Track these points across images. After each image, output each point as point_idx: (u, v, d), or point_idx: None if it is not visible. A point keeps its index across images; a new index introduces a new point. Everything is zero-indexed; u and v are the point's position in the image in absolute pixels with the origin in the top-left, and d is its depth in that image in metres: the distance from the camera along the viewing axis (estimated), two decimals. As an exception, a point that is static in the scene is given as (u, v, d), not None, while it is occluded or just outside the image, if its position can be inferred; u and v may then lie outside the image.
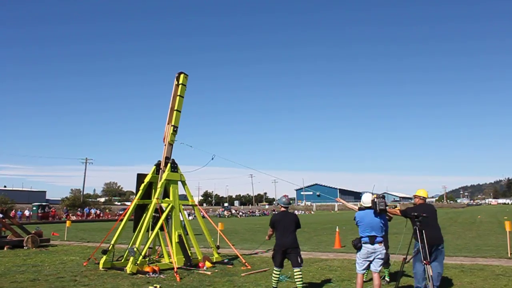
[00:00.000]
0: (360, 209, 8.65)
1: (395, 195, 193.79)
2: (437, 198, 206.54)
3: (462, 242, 21.97)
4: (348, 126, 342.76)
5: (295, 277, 9.23)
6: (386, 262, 10.05)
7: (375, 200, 8.32)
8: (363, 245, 8.28)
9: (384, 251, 8.38)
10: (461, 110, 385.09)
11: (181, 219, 14.51)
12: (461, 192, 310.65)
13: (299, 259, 9.26)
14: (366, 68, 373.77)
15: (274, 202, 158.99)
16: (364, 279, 8.61)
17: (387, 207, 8.49)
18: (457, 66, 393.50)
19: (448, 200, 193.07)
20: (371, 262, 8.31)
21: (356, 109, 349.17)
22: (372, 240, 8.21)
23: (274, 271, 9.48)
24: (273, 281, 9.48)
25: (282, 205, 9.97)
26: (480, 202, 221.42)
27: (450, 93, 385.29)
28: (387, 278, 10.67)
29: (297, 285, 9.14)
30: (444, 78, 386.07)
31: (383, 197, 8.57)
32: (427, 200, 9.71)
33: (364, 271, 8.38)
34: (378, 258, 8.26)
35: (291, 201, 10.44)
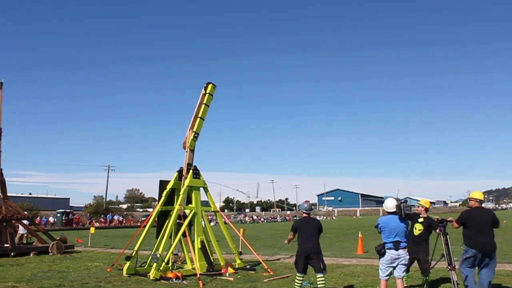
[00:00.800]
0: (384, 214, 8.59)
1: (418, 199, 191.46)
2: (460, 202, 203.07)
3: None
4: (370, 131, 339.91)
5: (318, 283, 9.16)
6: (426, 270, 9.66)
7: (401, 205, 8.23)
8: (387, 251, 8.21)
9: (408, 256, 8.30)
10: (486, 113, 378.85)
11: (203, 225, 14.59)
12: (486, 196, 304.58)
13: (321, 265, 9.19)
14: (386, 72, 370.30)
15: (294, 208, 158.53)
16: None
17: (412, 211, 8.41)
18: (480, 67, 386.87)
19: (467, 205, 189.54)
20: (394, 268, 8.24)
21: (378, 113, 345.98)
22: (397, 246, 8.12)
23: (297, 277, 9.42)
24: (296, 287, 9.40)
25: (304, 211, 9.93)
26: (505, 206, 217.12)
27: (473, 96, 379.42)
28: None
29: None
30: (466, 80, 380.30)
31: (406, 201, 8.50)
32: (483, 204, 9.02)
33: (388, 277, 8.31)
34: (401, 264, 8.20)
35: (312, 207, 10.41)
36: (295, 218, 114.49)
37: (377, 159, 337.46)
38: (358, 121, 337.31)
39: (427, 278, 9.87)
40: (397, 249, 8.13)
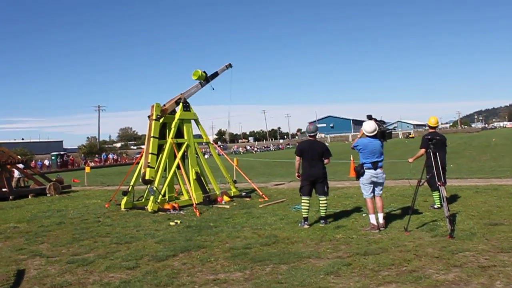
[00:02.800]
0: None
1: (409, 123, 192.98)
2: (451, 124, 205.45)
3: (476, 165, 22.10)
4: (360, 56, 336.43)
5: (320, 205, 9.33)
6: (437, 188, 9.74)
7: (381, 127, 8.52)
8: (366, 171, 8.60)
9: (384, 175, 8.75)
10: (475, 35, 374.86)
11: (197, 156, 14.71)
12: (476, 116, 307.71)
13: (325, 188, 9.34)
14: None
15: (286, 137, 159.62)
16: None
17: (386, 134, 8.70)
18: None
19: (462, 125, 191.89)
20: (374, 187, 8.68)
21: (368, 40, 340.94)
22: (375, 166, 8.55)
23: (303, 200, 9.37)
24: (303, 211, 9.37)
25: (308, 133, 9.64)
26: (495, 125, 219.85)
27: (464, 20, 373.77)
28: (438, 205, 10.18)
29: (321, 213, 9.37)
30: (456, 4, 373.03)
31: (383, 122, 8.77)
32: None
33: (371, 195, 8.71)
34: (380, 183, 8.67)
35: (318, 129, 10.11)
36: (288, 146, 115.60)
37: (368, 84, 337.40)
38: (348, 48, 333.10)
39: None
40: (375, 169, 8.56)
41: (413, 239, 7.52)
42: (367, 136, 8.63)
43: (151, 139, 13.36)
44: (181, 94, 14.52)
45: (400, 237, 7.75)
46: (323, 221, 9.30)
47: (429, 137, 9.41)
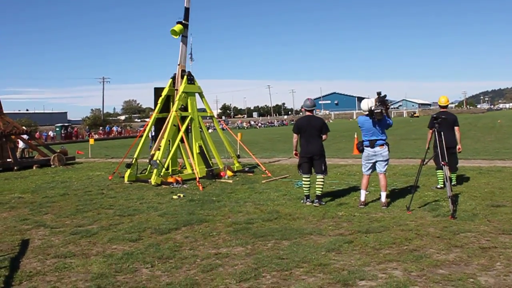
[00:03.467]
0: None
1: (414, 102, 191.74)
2: (456, 104, 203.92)
3: (480, 146, 22.02)
4: (366, 33, 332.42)
5: (317, 183, 9.14)
6: (454, 167, 10.23)
7: (372, 107, 8.40)
8: (364, 148, 8.71)
9: (386, 153, 8.64)
10: (483, 15, 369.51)
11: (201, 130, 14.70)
12: (482, 97, 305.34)
13: (323, 166, 9.19)
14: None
15: (290, 113, 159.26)
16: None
17: (383, 111, 8.41)
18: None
19: (468, 106, 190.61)
20: (375, 164, 8.72)
21: (375, 16, 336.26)
22: (372, 144, 8.60)
23: (304, 178, 9.32)
24: (304, 188, 9.34)
25: (306, 108, 9.51)
26: (500, 107, 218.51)
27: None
28: (454, 182, 10.35)
29: (316, 192, 9.11)
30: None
31: (383, 100, 8.54)
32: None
33: (368, 172, 8.82)
34: (381, 160, 8.67)
35: (316, 105, 9.97)
36: (292, 122, 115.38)
37: (374, 61, 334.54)
38: (355, 24, 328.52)
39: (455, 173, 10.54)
40: (372, 147, 8.61)
41: (415, 218, 7.54)
42: (364, 114, 8.67)
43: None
44: (178, 65, 14.40)
45: (402, 216, 7.77)
46: (317, 200, 9.04)
47: (435, 115, 9.38)
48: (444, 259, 5.47)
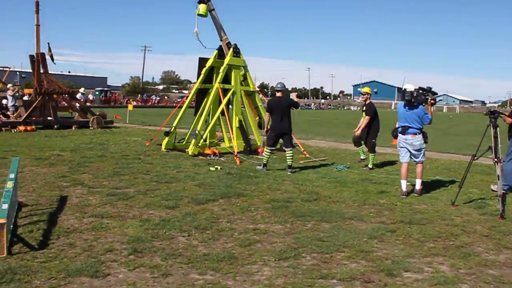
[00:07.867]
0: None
1: (455, 97, 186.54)
2: (500, 103, 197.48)
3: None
4: (412, 19, 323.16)
5: (287, 155, 10.54)
6: (372, 149, 11.54)
7: (407, 91, 8.29)
8: (398, 134, 8.61)
9: (418, 142, 8.44)
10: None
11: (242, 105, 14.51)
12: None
13: (291, 141, 10.85)
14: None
15: (327, 98, 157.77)
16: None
17: (418, 100, 8.27)
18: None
19: (511, 106, 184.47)
20: (410, 152, 8.54)
21: (429, 10, 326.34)
22: (404, 130, 8.50)
23: (266, 150, 10.76)
24: (264, 157, 10.75)
25: (278, 89, 11.06)
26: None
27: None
28: (369, 166, 11.49)
29: (287, 162, 10.50)
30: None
31: (424, 91, 8.37)
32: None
33: (404, 159, 8.62)
34: (414, 150, 8.48)
35: (285, 85, 10.77)
36: (329, 107, 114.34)
37: (417, 51, 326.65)
38: (402, 7, 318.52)
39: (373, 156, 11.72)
40: (403, 134, 8.45)
41: (460, 214, 7.21)
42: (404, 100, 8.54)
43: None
44: (225, 38, 14.28)
45: (446, 210, 7.45)
46: (290, 169, 10.45)
47: (492, 110, 8.91)
48: (494, 260, 5.18)
